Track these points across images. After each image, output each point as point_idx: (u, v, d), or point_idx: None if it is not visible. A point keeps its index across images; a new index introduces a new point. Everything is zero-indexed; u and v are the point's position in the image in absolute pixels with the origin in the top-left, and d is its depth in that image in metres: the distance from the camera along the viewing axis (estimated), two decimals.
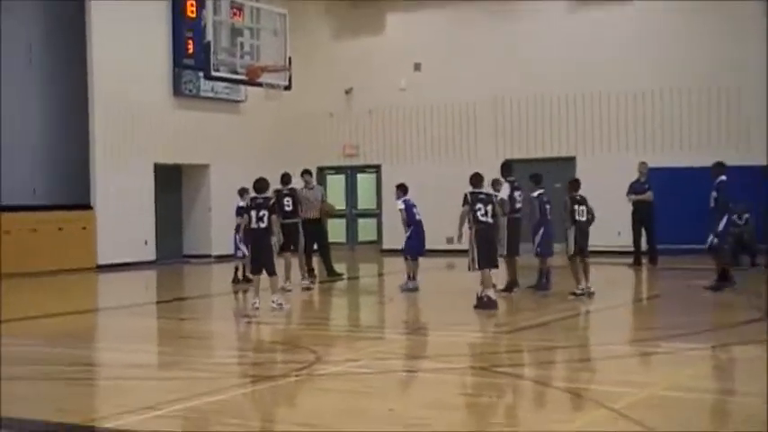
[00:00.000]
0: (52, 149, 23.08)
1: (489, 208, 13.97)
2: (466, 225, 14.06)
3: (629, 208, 20.73)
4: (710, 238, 15.40)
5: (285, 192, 17.13)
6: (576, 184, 15.67)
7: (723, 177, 15.59)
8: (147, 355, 11.31)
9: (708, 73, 23.13)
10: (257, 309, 14.01)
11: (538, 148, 25.31)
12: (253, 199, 14.55)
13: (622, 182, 20.94)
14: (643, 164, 20.97)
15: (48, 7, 23.05)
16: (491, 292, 13.86)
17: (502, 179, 15.99)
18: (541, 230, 15.81)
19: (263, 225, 14.17)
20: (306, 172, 18.25)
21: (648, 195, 20.47)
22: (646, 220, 20.57)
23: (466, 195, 14.03)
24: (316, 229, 17.89)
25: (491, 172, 15.58)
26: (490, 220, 13.98)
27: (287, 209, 16.88)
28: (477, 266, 13.94)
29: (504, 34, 25.49)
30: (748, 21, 22.64)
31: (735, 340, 10.98)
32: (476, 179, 14.26)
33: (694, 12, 23.26)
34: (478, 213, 13.87)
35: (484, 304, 13.71)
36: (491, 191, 15.09)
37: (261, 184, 14.63)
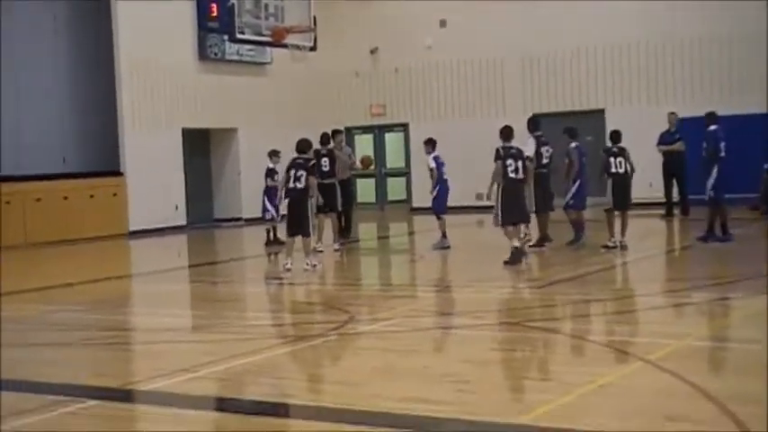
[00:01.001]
0: (80, 117, 23.18)
1: (519, 164, 13.86)
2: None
3: (661, 159, 20.56)
4: (708, 191, 15.22)
5: (324, 152, 16.93)
6: (614, 135, 15.51)
7: (713, 127, 15.40)
8: (182, 318, 11.38)
9: (736, 20, 22.75)
10: (289, 270, 14.04)
11: (567, 102, 25.09)
12: (293, 159, 14.45)
13: (653, 133, 20.74)
14: (672, 114, 20.75)
15: None
16: (516, 242, 13.82)
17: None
18: (577, 183, 15.64)
19: (299, 186, 14.07)
20: (336, 132, 18.16)
21: (679, 145, 20.24)
22: (677, 171, 20.34)
23: (498, 150, 13.93)
24: (344, 189, 17.81)
25: (519, 127, 15.44)
26: (520, 176, 13.88)
27: (324, 169, 16.71)
28: (500, 222, 13.91)
29: None
30: None
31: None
32: (506, 132, 14.12)
33: None
34: (508, 169, 13.77)
35: (512, 258, 13.67)
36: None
37: (302, 145, 14.52)
